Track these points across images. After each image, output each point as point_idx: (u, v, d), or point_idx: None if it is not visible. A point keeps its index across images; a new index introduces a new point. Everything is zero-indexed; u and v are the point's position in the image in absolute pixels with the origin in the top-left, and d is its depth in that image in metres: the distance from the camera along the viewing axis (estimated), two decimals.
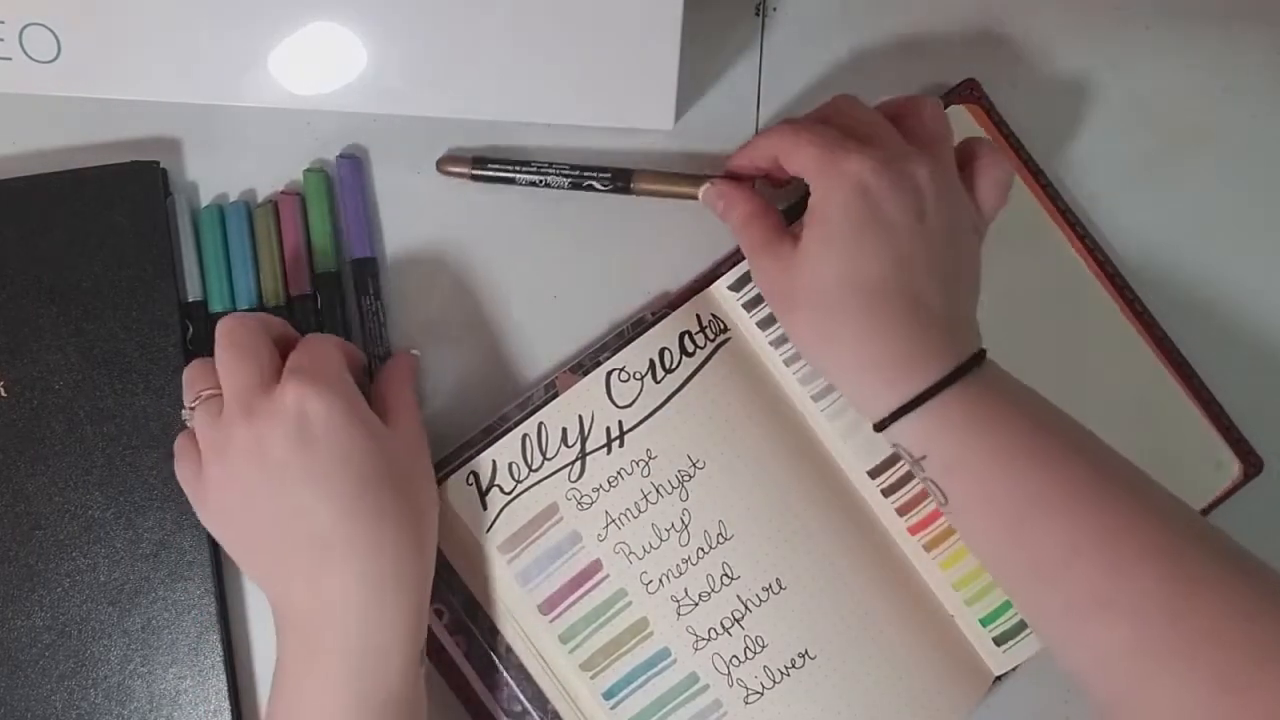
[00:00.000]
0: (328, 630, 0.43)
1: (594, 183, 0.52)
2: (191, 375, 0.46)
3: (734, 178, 0.50)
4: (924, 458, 0.43)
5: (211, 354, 0.45)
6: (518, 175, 0.52)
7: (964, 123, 0.52)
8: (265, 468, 0.43)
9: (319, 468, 0.43)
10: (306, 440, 0.42)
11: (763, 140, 0.48)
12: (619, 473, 0.50)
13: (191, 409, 0.45)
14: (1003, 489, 0.42)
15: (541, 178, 0.52)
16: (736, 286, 0.51)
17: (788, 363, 0.51)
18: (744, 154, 0.49)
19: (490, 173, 0.52)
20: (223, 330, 0.45)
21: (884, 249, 0.42)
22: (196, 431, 0.45)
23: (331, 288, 0.52)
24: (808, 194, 0.45)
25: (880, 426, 0.44)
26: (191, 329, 0.51)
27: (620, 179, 0.52)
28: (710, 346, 0.51)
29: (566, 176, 0.52)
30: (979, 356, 0.44)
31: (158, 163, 0.52)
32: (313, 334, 0.47)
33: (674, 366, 0.50)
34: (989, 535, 0.43)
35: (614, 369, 0.50)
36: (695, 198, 0.51)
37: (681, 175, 0.52)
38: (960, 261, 0.45)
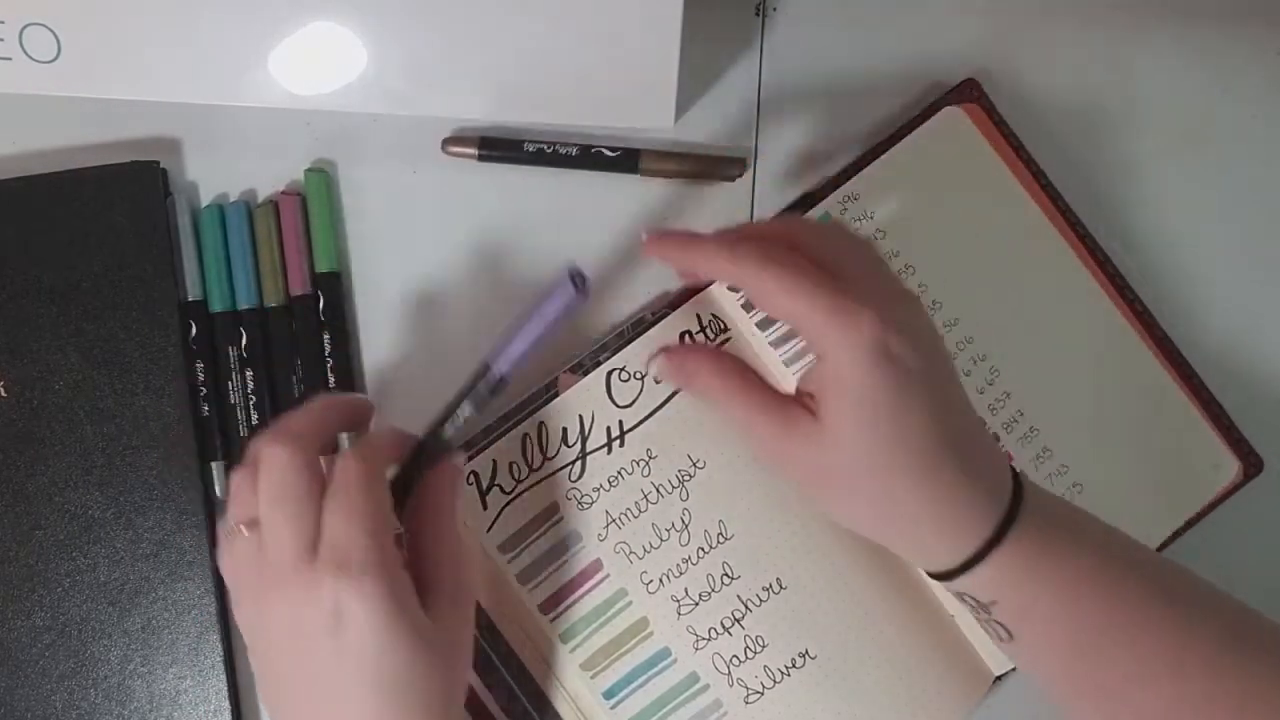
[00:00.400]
0: None
1: (603, 150, 0.51)
2: (236, 493, 0.42)
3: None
4: (994, 603, 0.41)
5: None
6: (526, 145, 0.51)
7: (964, 122, 0.52)
8: (295, 642, 0.40)
9: (350, 672, 0.40)
10: (340, 643, 0.39)
11: (722, 259, 0.41)
12: (619, 472, 0.50)
13: (234, 530, 0.42)
14: (1073, 622, 0.41)
15: (549, 147, 0.51)
16: (735, 287, 0.51)
17: (787, 363, 0.51)
18: (686, 253, 0.43)
19: (497, 152, 0.52)
20: (266, 463, 0.40)
21: (918, 407, 0.39)
22: (237, 562, 0.42)
23: (333, 287, 0.52)
24: None
25: (944, 578, 0.42)
26: (195, 328, 0.51)
27: (629, 155, 0.52)
28: (710, 347, 0.51)
29: (575, 146, 0.51)
30: (1019, 485, 0.42)
31: (158, 163, 0.52)
32: (350, 462, 0.41)
33: None
34: (1054, 665, 0.42)
35: (614, 369, 0.50)
36: (699, 179, 0.51)
37: (687, 155, 0.52)
38: (959, 381, 0.42)
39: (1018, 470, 0.42)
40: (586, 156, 0.52)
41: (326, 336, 0.52)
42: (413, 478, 0.44)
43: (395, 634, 0.39)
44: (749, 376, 0.43)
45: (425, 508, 0.44)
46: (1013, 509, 0.41)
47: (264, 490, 0.40)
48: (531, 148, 0.52)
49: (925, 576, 0.50)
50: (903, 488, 0.40)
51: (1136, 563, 0.42)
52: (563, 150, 0.52)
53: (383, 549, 0.40)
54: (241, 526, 0.41)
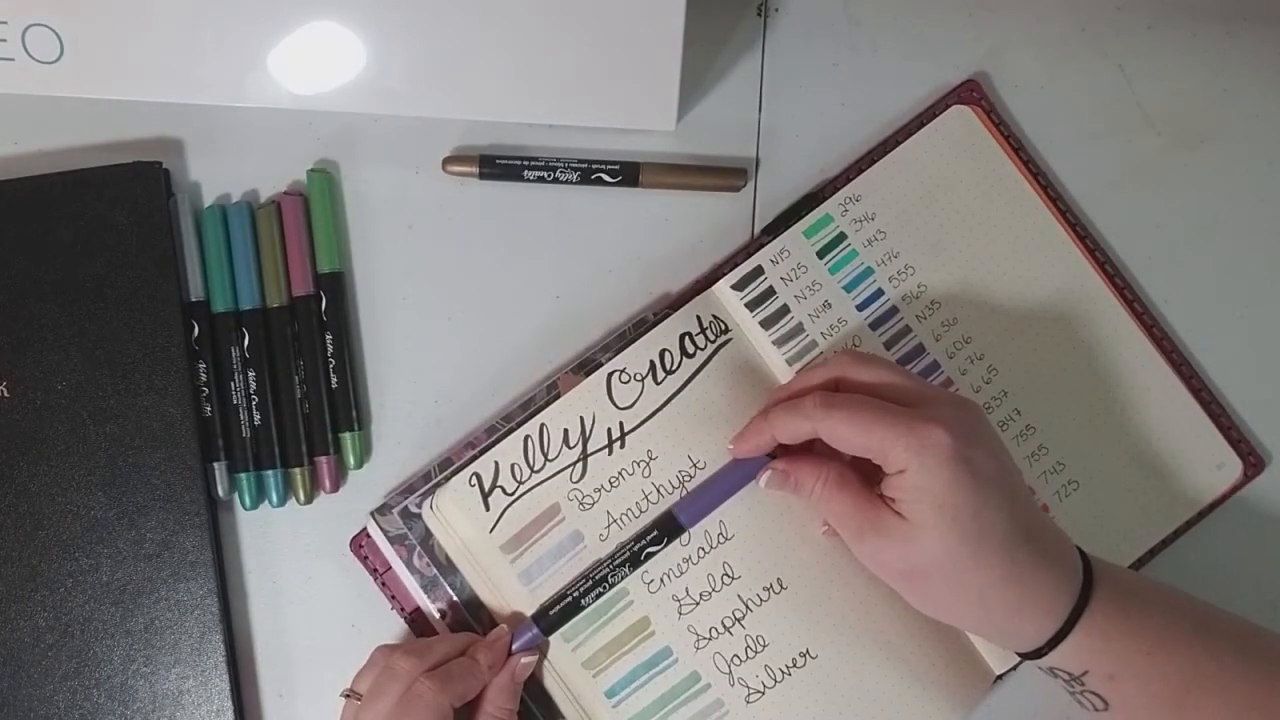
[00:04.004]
0: None
1: (603, 174, 0.52)
2: (367, 674, 0.48)
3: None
4: (1085, 674, 0.45)
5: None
6: (525, 170, 0.52)
7: (965, 123, 0.52)
8: None
9: None
10: None
11: (793, 420, 0.46)
12: (620, 473, 0.50)
13: (352, 696, 0.48)
14: (1163, 680, 0.44)
15: (549, 172, 0.52)
16: (739, 286, 0.51)
17: (789, 363, 0.51)
18: (763, 435, 0.48)
19: (498, 170, 0.52)
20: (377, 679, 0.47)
21: (994, 501, 0.43)
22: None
23: (336, 287, 0.52)
24: None
25: (1035, 655, 0.45)
26: (197, 329, 0.51)
27: (628, 171, 0.52)
28: (711, 348, 0.51)
29: (575, 170, 0.52)
30: (1086, 560, 0.45)
31: (160, 163, 0.52)
32: (424, 683, 0.46)
33: (675, 368, 0.50)
34: None
35: (615, 370, 0.50)
36: (701, 189, 0.52)
37: (689, 167, 0.52)
38: (1020, 474, 0.46)
39: (1081, 548, 0.46)
40: (587, 181, 0.52)
41: (328, 336, 0.52)
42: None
43: None
44: (847, 478, 0.46)
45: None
46: (1086, 582, 0.45)
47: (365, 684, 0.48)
48: (531, 175, 0.52)
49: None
50: (987, 579, 0.44)
51: (1209, 619, 0.46)
52: (563, 176, 0.52)
53: None
54: (351, 695, 0.48)
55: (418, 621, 0.52)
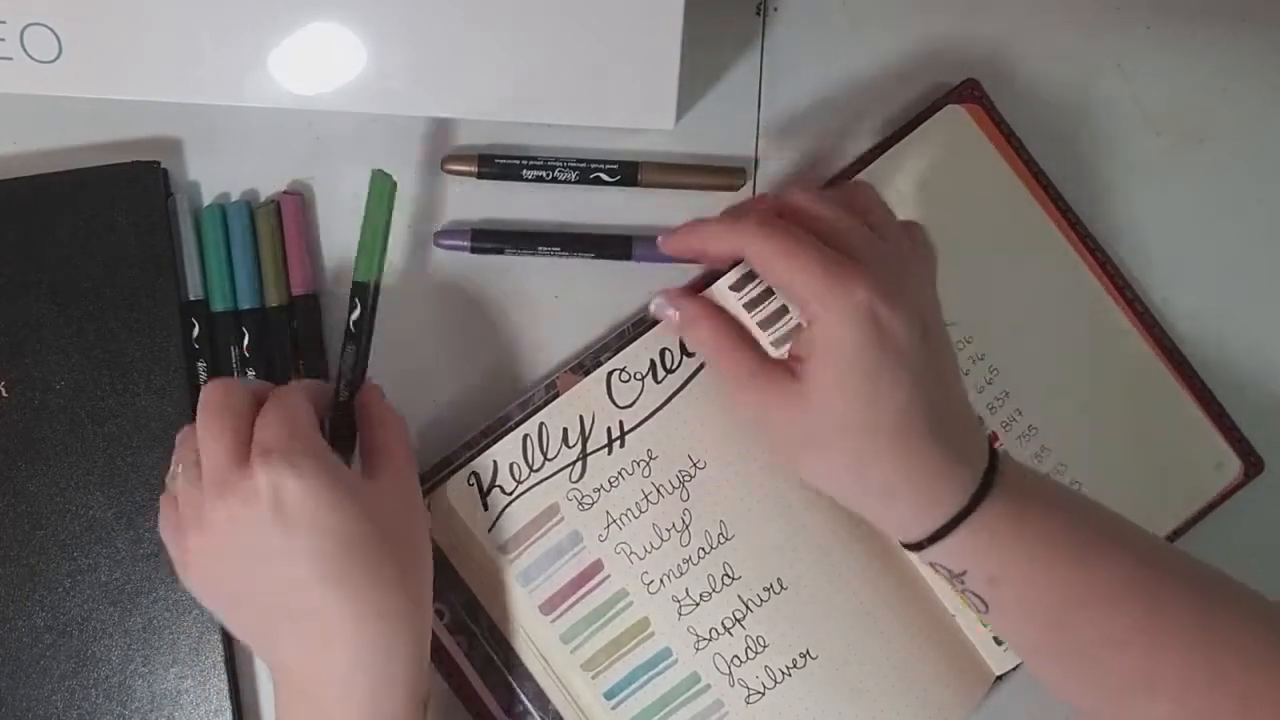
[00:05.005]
0: (335, 703, 0.43)
1: (601, 173, 0.52)
2: (180, 439, 0.45)
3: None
4: (964, 573, 0.43)
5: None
6: (524, 170, 0.52)
7: (964, 122, 0.52)
8: (245, 546, 0.42)
9: (302, 544, 0.41)
10: (285, 521, 0.41)
11: (726, 233, 0.43)
12: (620, 473, 0.50)
13: (175, 474, 0.44)
14: (1044, 591, 0.42)
15: (548, 172, 0.52)
16: (738, 286, 0.51)
17: None
18: (695, 237, 0.45)
19: (496, 169, 0.52)
20: (203, 397, 0.43)
21: (903, 376, 0.41)
22: (177, 498, 0.44)
23: (365, 296, 0.48)
24: (737, 262, 0.44)
25: (915, 548, 0.43)
26: (197, 328, 0.51)
27: (627, 170, 0.52)
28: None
29: (574, 169, 0.52)
30: (995, 457, 0.43)
31: (159, 163, 0.52)
32: (279, 390, 0.45)
33: (675, 366, 0.50)
34: (1028, 633, 0.43)
35: (615, 369, 0.50)
36: (700, 188, 0.52)
37: (686, 167, 0.52)
38: (951, 358, 0.44)
39: (1000, 449, 0.43)
40: (585, 180, 0.52)
41: (352, 347, 0.50)
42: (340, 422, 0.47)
43: (335, 494, 0.41)
44: (743, 336, 0.44)
45: (362, 421, 0.47)
46: (986, 482, 0.42)
47: (200, 420, 0.43)
48: (530, 174, 0.52)
49: (925, 577, 0.51)
50: (874, 451, 0.41)
51: (1109, 531, 0.43)
52: (562, 176, 0.52)
53: (309, 437, 0.42)
54: (179, 465, 0.44)
55: None
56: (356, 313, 0.47)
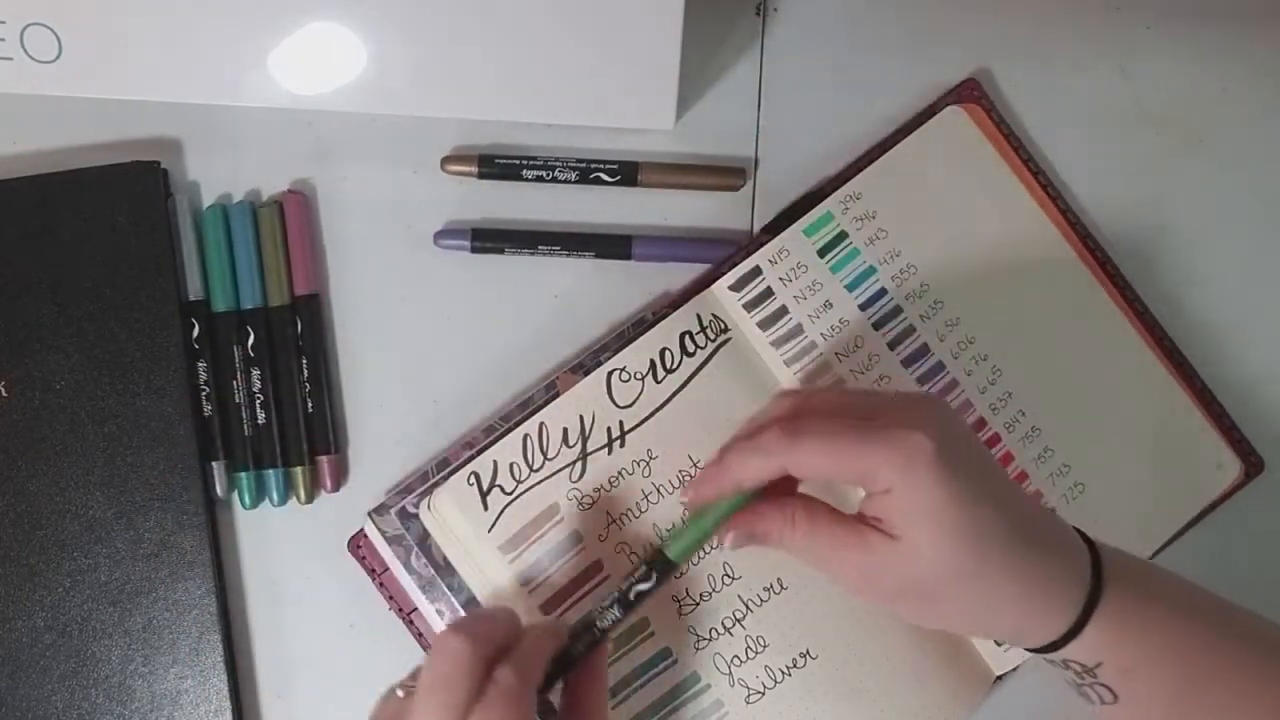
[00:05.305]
0: None
1: (601, 173, 0.52)
2: (423, 664, 0.41)
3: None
4: (1099, 665, 0.43)
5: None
6: (524, 170, 0.52)
7: (965, 121, 0.52)
8: None
9: None
10: None
11: (757, 460, 0.43)
12: (620, 473, 0.50)
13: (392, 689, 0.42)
14: (1175, 672, 0.43)
15: (548, 172, 0.52)
16: (738, 286, 0.51)
17: (788, 362, 0.51)
18: (725, 478, 0.44)
19: (496, 169, 0.52)
20: (436, 659, 0.39)
21: (987, 501, 0.41)
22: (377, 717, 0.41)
23: (665, 572, 0.46)
24: None
25: (1048, 649, 0.43)
26: (197, 328, 0.51)
27: (627, 170, 0.52)
28: (711, 347, 0.51)
29: (574, 169, 0.52)
30: (1093, 548, 0.43)
31: (158, 163, 0.52)
32: (507, 682, 0.39)
33: (675, 366, 0.50)
34: (1159, 716, 0.44)
35: (615, 369, 0.50)
36: (700, 189, 0.52)
37: (686, 167, 0.52)
38: (1001, 465, 0.44)
39: (1085, 533, 0.44)
40: (585, 180, 0.52)
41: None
42: (564, 664, 0.44)
43: None
44: (817, 513, 0.43)
45: (574, 703, 0.44)
46: (1096, 573, 0.42)
47: (426, 675, 0.39)
48: (530, 174, 0.52)
49: None
50: (990, 585, 0.41)
51: (1222, 611, 0.44)
52: (562, 176, 0.52)
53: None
54: (399, 690, 0.41)
55: (416, 623, 0.51)
56: (648, 584, 0.44)
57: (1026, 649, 0.44)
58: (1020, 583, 0.41)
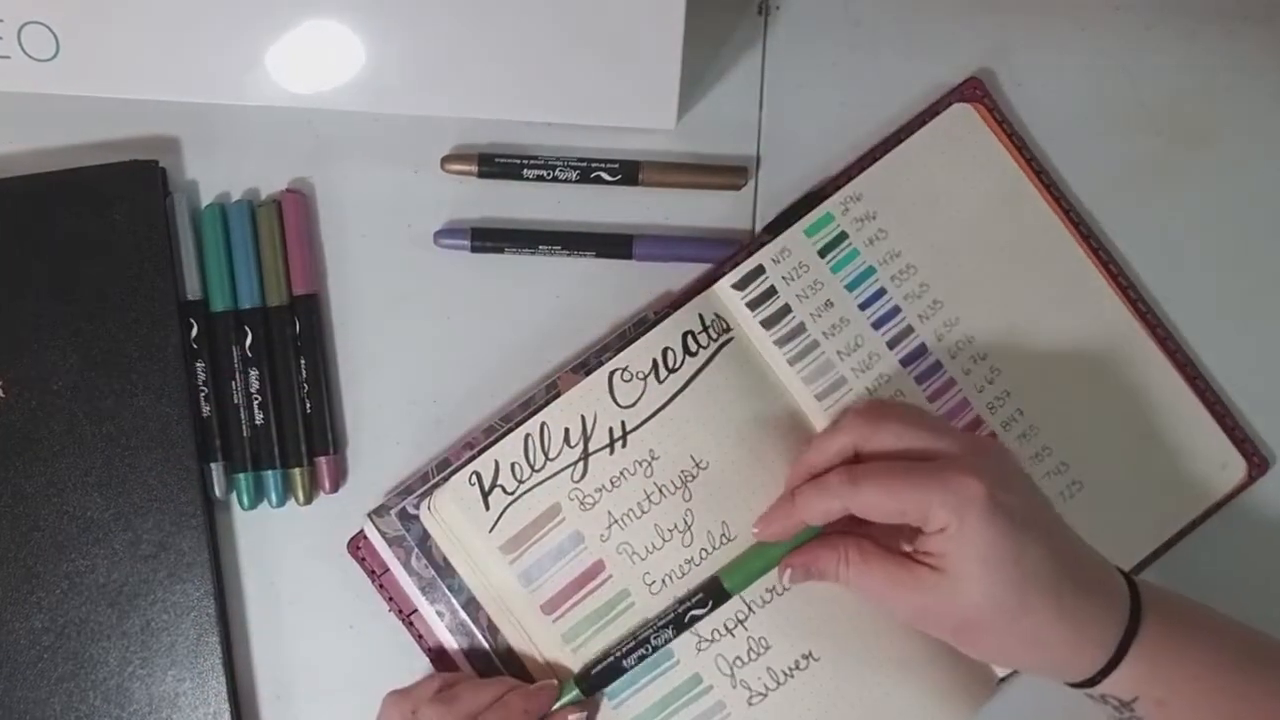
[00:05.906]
0: None
1: (602, 173, 0.52)
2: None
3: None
4: (1135, 699, 0.45)
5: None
6: (525, 169, 0.52)
7: (968, 121, 0.52)
8: None
9: None
10: None
11: (822, 499, 0.46)
12: (622, 473, 0.50)
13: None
14: (1212, 704, 0.44)
15: (549, 171, 0.52)
16: (740, 285, 0.51)
17: (791, 362, 0.51)
18: (794, 516, 0.47)
19: (497, 169, 0.52)
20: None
21: (1034, 543, 0.43)
22: None
23: (719, 599, 0.50)
24: None
25: (1085, 684, 0.45)
26: (195, 328, 0.51)
27: (628, 170, 0.52)
28: (713, 346, 0.50)
29: (574, 169, 0.52)
30: (1132, 584, 0.45)
31: (157, 162, 0.51)
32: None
33: (677, 366, 0.50)
34: None
35: (616, 369, 0.50)
36: (701, 188, 0.52)
37: (687, 166, 0.52)
38: (1051, 505, 0.46)
39: (1125, 570, 0.46)
40: (586, 179, 0.52)
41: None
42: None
43: None
44: (868, 552, 0.46)
45: None
46: (1134, 609, 0.44)
47: None
48: (531, 174, 0.52)
49: None
50: (1039, 621, 0.43)
51: (1254, 642, 0.46)
52: (563, 175, 0.52)
53: None
54: None
55: (416, 625, 0.51)
56: (703, 610, 0.48)
57: (1066, 684, 0.45)
58: (1064, 623, 0.43)
